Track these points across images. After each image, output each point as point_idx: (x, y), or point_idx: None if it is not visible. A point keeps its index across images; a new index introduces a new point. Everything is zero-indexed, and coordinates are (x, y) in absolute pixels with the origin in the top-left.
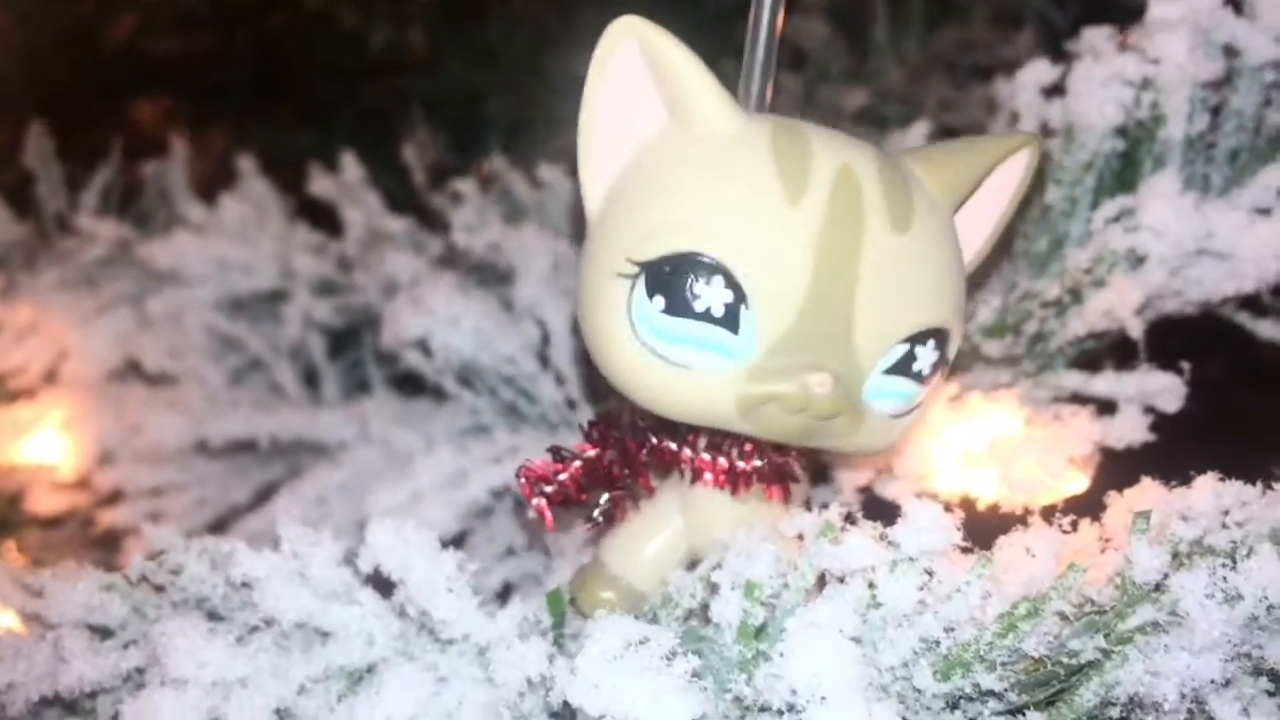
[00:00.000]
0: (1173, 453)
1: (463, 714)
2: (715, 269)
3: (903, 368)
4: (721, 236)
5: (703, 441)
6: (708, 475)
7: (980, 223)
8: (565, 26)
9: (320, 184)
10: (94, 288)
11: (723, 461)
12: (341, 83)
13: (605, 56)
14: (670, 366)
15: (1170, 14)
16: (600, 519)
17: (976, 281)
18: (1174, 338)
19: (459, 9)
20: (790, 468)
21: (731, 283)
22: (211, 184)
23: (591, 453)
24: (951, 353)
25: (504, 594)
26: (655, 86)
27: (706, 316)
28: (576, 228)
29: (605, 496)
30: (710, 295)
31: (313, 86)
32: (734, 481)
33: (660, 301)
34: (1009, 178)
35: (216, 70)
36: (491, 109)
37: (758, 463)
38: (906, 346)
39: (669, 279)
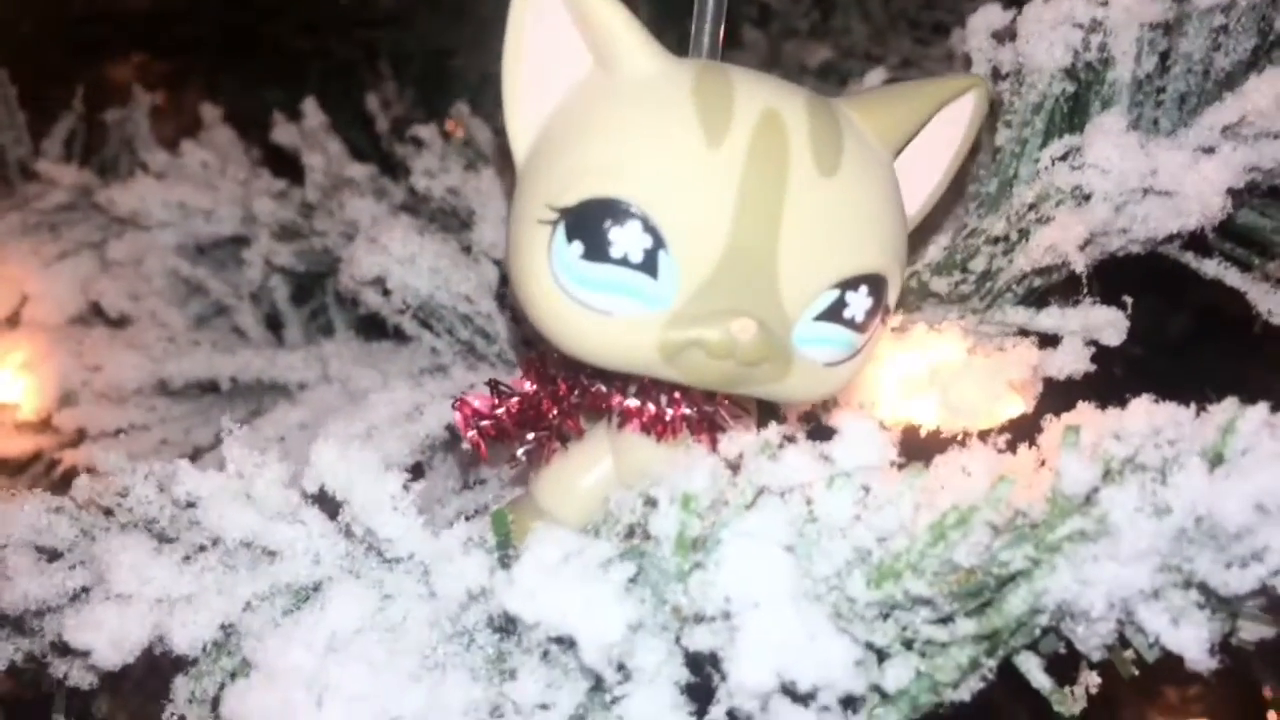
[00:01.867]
0: (1113, 382)
1: (407, 628)
2: (632, 213)
3: (834, 314)
4: (638, 180)
5: (633, 387)
6: (635, 421)
7: (929, 167)
8: None
9: (283, 132)
10: (56, 233)
11: (650, 407)
12: (310, 38)
13: (523, 6)
14: (592, 313)
15: None
16: (524, 458)
17: (930, 224)
18: (1119, 275)
19: None
20: (719, 416)
21: (649, 227)
22: (176, 133)
23: (529, 388)
24: (892, 299)
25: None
26: (579, 31)
27: (625, 262)
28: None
29: (530, 436)
30: (628, 240)
31: (282, 42)
32: (660, 428)
33: (579, 247)
34: (956, 121)
35: (185, 26)
36: (458, 64)
37: (686, 410)
38: (837, 292)
39: (587, 224)
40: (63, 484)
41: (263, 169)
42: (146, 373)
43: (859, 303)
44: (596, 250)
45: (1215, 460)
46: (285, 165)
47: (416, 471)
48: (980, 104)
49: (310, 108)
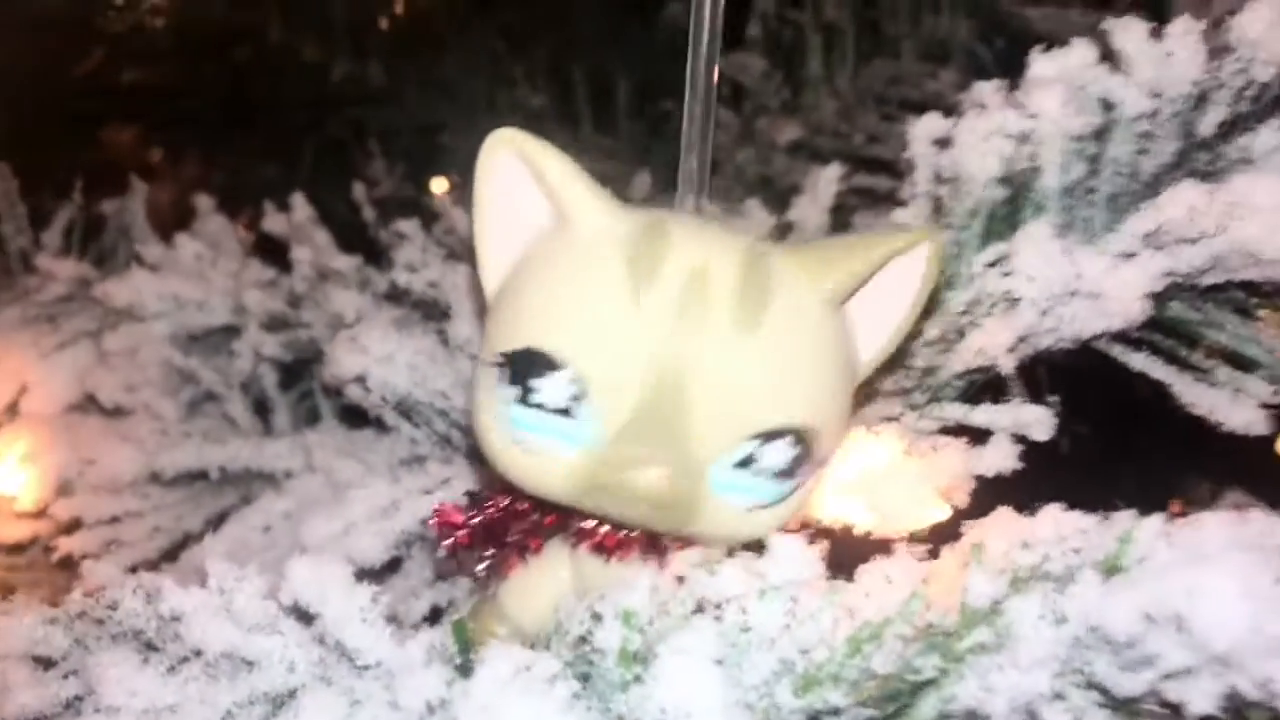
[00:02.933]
0: (1038, 480)
1: None
2: (557, 364)
3: (750, 464)
4: (564, 333)
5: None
6: (588, 541)
7: (885, 316)
8: (520, 60)
9: (273, 221)
10: (54, 324)
11: (603, 530)
12: (304, 114)
13: (486, 166)
14: (526, 451)
15: (1047, 71)
16: (484, 574)
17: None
18: (1051, 371)
19: (416, 43)
20: (664, 540)
21: (573, 377)
22: (172, 219)
23: (504, 502)
24: (824, 450)
25: (433, 617)
26: (538, 189)
27: (550, 408)
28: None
29: (491, 553)
30: (551, 388)
31: (276, 117)
32: (610, 550)
33: (515, 391)
34: (910, 271)
35: (183, 101)
36: (447, 140)
37: (634, 534)
38: (754, 444)
39: (521, 371)
40: (59, 569)
41: (253, 258)
42: (140, 465)
43: (777, 455)
44: (528, 395)
45: (1111, 570)
46: (275, 250)
47: (393, 566)
48: (933, 255)
49: (299, 201)
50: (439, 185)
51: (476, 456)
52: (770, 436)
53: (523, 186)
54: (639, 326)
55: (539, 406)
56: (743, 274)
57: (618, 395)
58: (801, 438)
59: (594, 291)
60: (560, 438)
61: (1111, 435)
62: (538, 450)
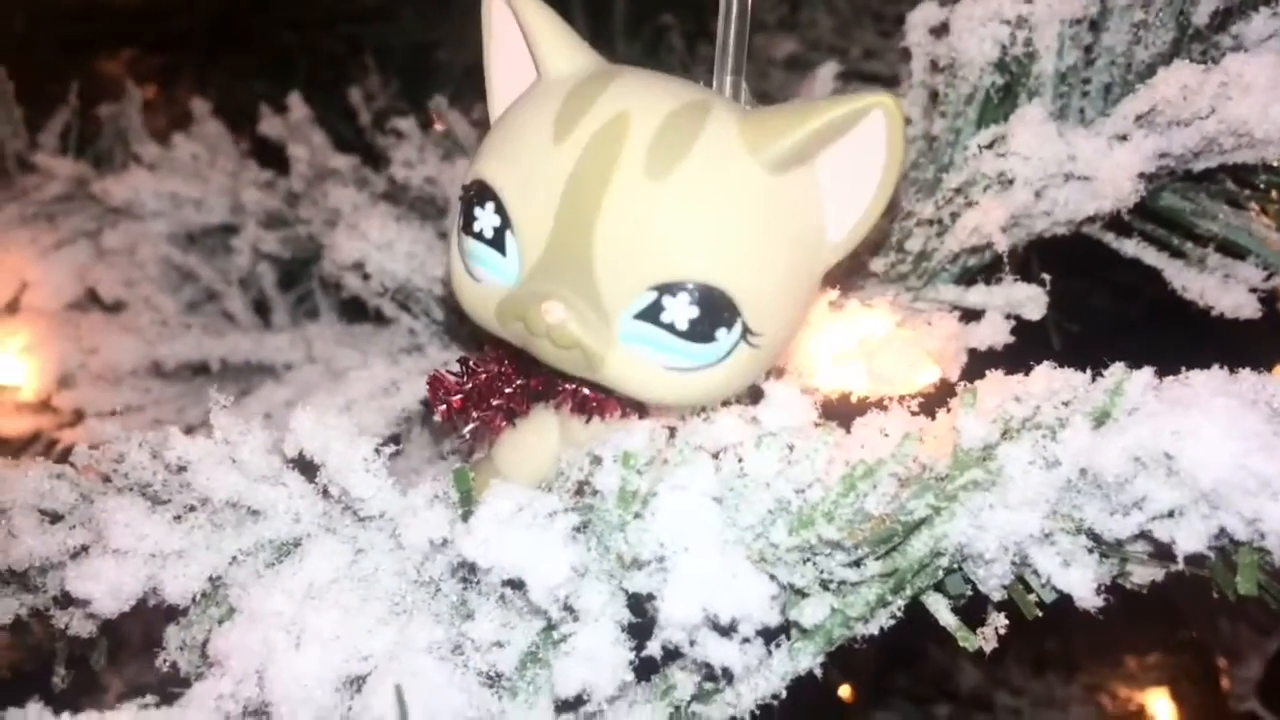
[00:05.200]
0: (1030, 354)
1: (377, 578)
2: (490, 195)
3: (651, 316)
4: (499, 167)
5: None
6: (569, 402)
7: (856, 190)
8: None
9: (270, 124)
10: (53, 223)
11: (584, 390)
12: (298, 33)
13: (486, 14)
14: (470, 278)
15: None
16: (470, 435)
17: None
18: (1046, 254)
19: None
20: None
21: (500, 209)
22: (167, 126)
23: (495, 368)
24: (751, 318)
25: None
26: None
27: (482, 237)
28: None
29: (476, 415)
30: (485, 218)
31: (270, 37)
32: (588, 410)
33: (461, 219)
34: (874, 142)
35: (176, 21)
36: (441, 57)
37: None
38: (654, 295)
39: (467, 202)
40: (62, 461)
41: (250, 160)
42: (140, 355)
43: (679, 309)
44: (469, 224)
45: (1101, 419)
46: (272, 156)
47: (393, 443)
48: (893, 123)
49: (295, 101)
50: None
51: (474, 343)
52: (671, 289)
53: (519, 39)
54: (555, 164)
55: (478, 236)
56: (666, 124)
57: (533, 231)
58: (709, 296)
59: (528, 129)
60: (494, 270)
61: (1098, 312)
62: (480, 279)
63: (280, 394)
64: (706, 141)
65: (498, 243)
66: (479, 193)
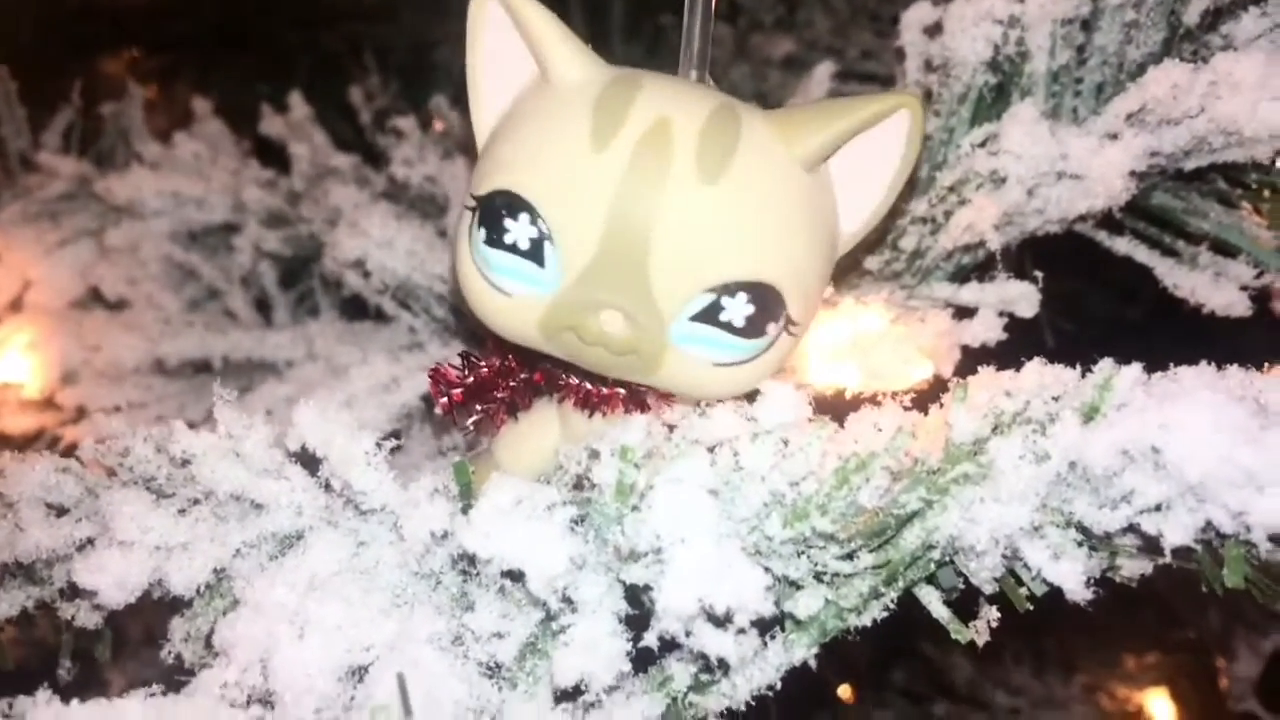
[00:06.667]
0: (1023, 350)
1: (379, 570)
2: (523, 206)
3: (709, 317)
4: (531, 177)
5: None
6: (572, 397)
7: (870, 184)
8: None
9: (271, 123)
10: (56, 221)
11: (588, 385)
12: (299, 32)
13: (474, 17)
14: (496, 291)
15: None
16: (473, 428)
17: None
18: (1037, 251)
19: None
20: (644, 395)
21: (535, 219)
22: (169, 125)
23: (496, 362)
24: (794, 309)
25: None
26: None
27: (515, 249)
28: None
29: (479, 408)
30: (518, 230)
31: (272, 37)
32: (591, 405)
33: (484, 233)
34: (893, 139)
35: (178, 21)
36: (440, 56)
37: (620, 390)
38: (712, 296)
39: (490, 213)
40: (66, 458)
41: (252, 159)
42: (143, 352)
43: (737, 309)
44: (496, 237)
45: (1090, 414)
46: (273, 155)
47: (394, 439)
48: (915, 122)
49: (296, 100)
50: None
51: (475, 339)
52: (729, 290)
53: (511, 39)
54: (599, 172)
55: (510, 248)
56: (707, 127)
57: (579, 239)
58: (762, 294)
59: (560, 138)
60: (529, 281)
61: (1091, 310)
62: (510, 292)
63: (282, 390)
64: (748, 143)
65: (534, 254)
66: (509, 205)
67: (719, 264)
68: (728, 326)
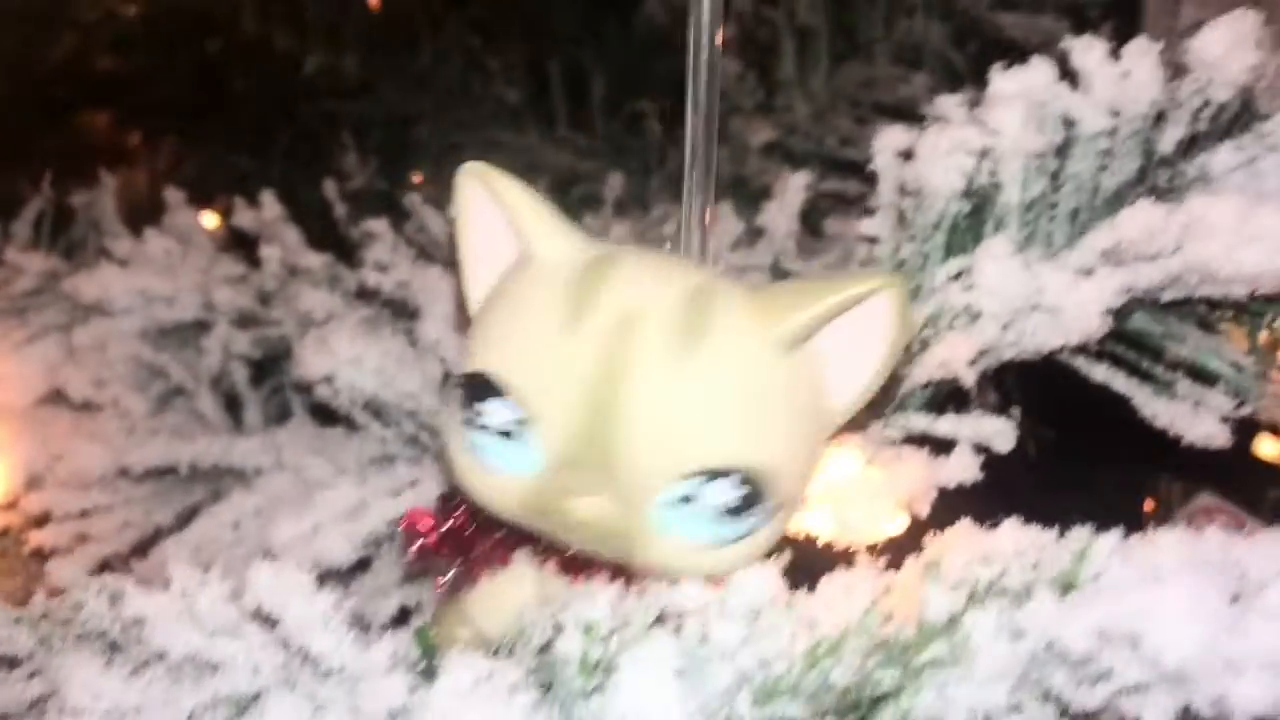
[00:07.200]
0: (999, 491)
1: None
2: (500, 389)
3: (687, 501)
4: (508, 360)
5: None
6: (554, 561)
7: (860, 360)
8: (495, 54)
9: (243, 216)
10: (23, 318)
11: (569, 552)
12: (277, 105)
13: (460, 198)
14: (483, 470)
15: (1007, 89)
16: (447, 586)
17: None
18: (1014, 382)
19: (391, 35)
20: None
21: (514, 403)
22: (141, 218)
23: (475, 510)
24: (779, 490)
25: (401, 618)
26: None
27: (497, 431)
28: None
29: (459, 563)
30: (499, 412)
31: (249, 109)
32: (574, 570)
33: (468, 411)
34: (880, 318)
35: (155, 91)
36: (421, 133)
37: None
38: (691, 482)
39: (472, 394)
40: (32, 560)
41: (223, 253)
42: (108, 461)
43: (718, 493)
44: (478, 416)
45: (1067, 587)
46: (245, 245)
47: (362, 565)
48: (898, 303)
49: (268, 199)
50: (413, 179)
51: (444, 459)
52: (709, 475)
53: (494, 218)
54: (573, 356)
55: (486, 430)
56: (680, 310)
57: (556, 423)
58: (743, 478)
59: (534, 320)
60: (508, 462)
61: (1074, 445)
62: (493, 471)
63: (250, 502)
64: (722, 325)
65: (515, 435)
66: (486, 388)
67: (694, 450)
68: (711, 511)
